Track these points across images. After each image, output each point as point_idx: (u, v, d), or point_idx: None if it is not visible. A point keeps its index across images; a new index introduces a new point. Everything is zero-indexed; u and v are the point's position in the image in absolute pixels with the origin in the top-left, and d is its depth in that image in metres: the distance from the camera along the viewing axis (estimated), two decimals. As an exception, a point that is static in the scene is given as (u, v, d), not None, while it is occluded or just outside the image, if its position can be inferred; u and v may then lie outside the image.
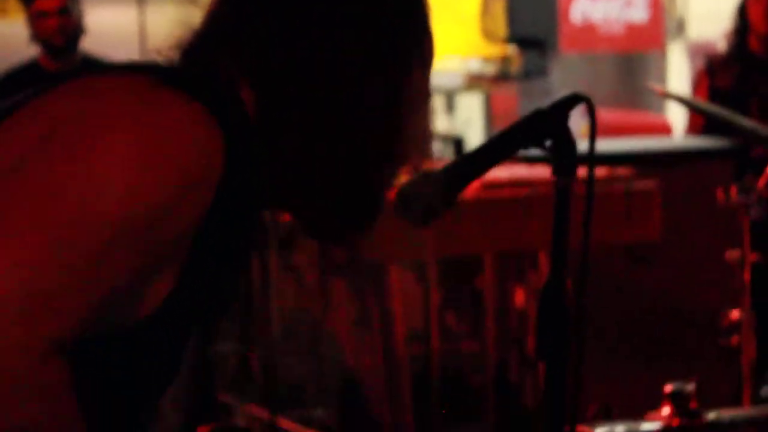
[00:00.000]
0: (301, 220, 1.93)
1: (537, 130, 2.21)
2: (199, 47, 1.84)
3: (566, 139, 2.18)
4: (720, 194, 4.00)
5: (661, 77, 8.39)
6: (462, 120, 8.80)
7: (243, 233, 1.86)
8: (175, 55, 1.84)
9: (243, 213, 1.79)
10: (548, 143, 2.19)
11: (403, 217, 2.07)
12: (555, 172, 2.17)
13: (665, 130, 7.42)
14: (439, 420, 4.81)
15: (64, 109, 1.68)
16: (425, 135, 1.95)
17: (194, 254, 1.70)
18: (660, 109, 8.43)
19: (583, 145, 2.10)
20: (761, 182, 3.84)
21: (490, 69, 8.27)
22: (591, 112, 2.21)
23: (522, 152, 5.14)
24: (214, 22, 1.85)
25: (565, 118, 2.19)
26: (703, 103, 4.10)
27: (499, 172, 4.79)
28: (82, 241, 1.58)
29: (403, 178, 2.01)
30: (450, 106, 8.77)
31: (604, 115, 5.51)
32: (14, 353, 1.53)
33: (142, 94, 1.68)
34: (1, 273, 1.54)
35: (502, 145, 2.24)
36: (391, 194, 2.01)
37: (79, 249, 1.58)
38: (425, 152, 1.90)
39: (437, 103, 8.24)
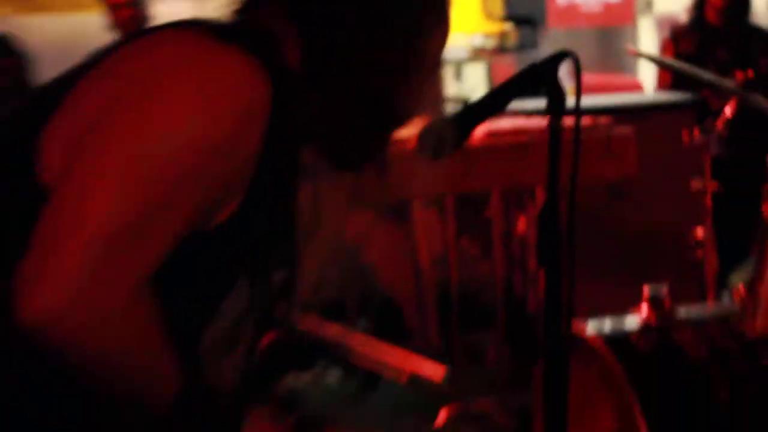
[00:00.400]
0: (327, 153, 1.92)
1: (532, 80, 2.21)
2: (249, 6, 1.82)
3: (556, 87, 2.19)
4: (685, 136, 4.01)
5: (633, 47, 8.37)
6: (468, 86, 8.78)
7: (290, 162, 1.83)
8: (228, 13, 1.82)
9: (288, 145, 1.76)
10: (542, 91, 2.20)
11: (423, 154, 2.08)
12: (548, 113, 2.17)
13: (637, 88, 7.42)
14: (458, 327, 4.82)
15: (135, 64, 1.67)
16: (438, 91, 1.97)
17: (255, 177, 1.68)
18: (633, 72, 8.45)
19: (570, 101, 2.11)
20: (719, 124, 3.83)
21: (491, 43, 8.27)
22: (576, 66, 2.21)
23: (521, 107, 5.15)
24: None
25: (555, 70, 2.19)
26: (668, 59, 4.10)
27: (503, 123, 4.80)
28: (168, 175, 1.56)
29: (422, 123, 2.02)
30: (458, 75, 8.76)
31: (586, 78, 5.41)
32: (106, 289, 1.50)
33: (199, 47, 1.66)
34: (93, 213, 1.52)
35: (503, 93, 2.24)
36: (413, 138, 2.03)
37: (161, 183, 1.56)
38: (439, 107, 1.90)
39: (448, 72, 8.26)
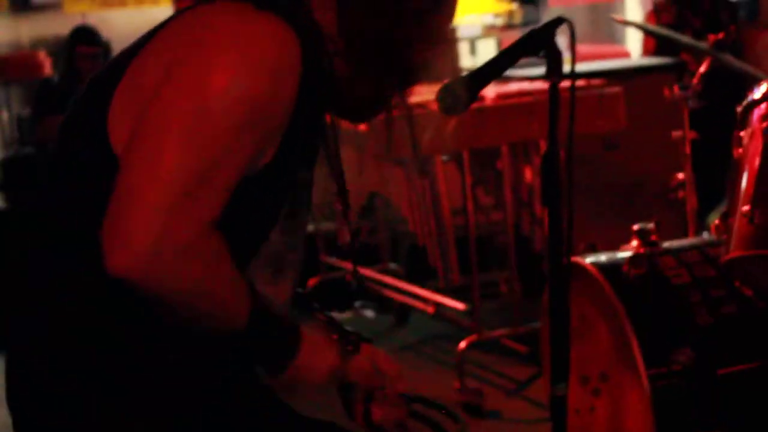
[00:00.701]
0: (344, 106, 1.91)
1: (533, 43, 2.20)
2: None
3: (554, 49, 2.18)
4: (666, 92, 3.98)
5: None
6: (481, 59, 8.75)
7: (317, 112, 1.83)
8: None
9: (316, 98, 1.75)
10: (541, 53, 2.19)
11: (442, 110, 2.07)
12: (547, 72, 2.17)
13: (625, 55, 7.35)
14: (475, 267, 4.82)
15: (185, 37, 1.68)
16: (451, 59, 1.99)
17: (290, 125, 1.68)
18: (621, 42, 8.40)
19: (567, 66, 2.10)
20: (695, 81, 3.81)
21: (500, 21, 8.26)
22: (571, 31, 2.20)
23: (526, 74, 5.12)
24: None
25: (552, 34, 2.18)
26: (650, 26, 4.09)
27: (510, 87, 4.79)
28: (224, 128, 1.57)
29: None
30: (472, 50, 8.73)
31: (582, 48, 5.41)
32: (184, 230, 1.51)
33: (239, 17, 1.65)
34: (165, 167, 1.53)
35: (509, 55, 2.22)
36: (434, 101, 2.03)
37: (221, 135, 1.57)
38: (451, 72, 1.91)
39: (463, 47, 8.25)
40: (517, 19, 8.30)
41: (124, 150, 1.59)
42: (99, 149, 1.66)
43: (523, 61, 2.32)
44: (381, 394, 1.99)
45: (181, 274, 1.54)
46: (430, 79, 2.14)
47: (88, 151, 1.71)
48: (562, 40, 2.17)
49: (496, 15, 8.11)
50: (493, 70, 2.22)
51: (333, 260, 6.15)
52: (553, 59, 2.15)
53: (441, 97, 2.03)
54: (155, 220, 1.50)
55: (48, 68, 8.29)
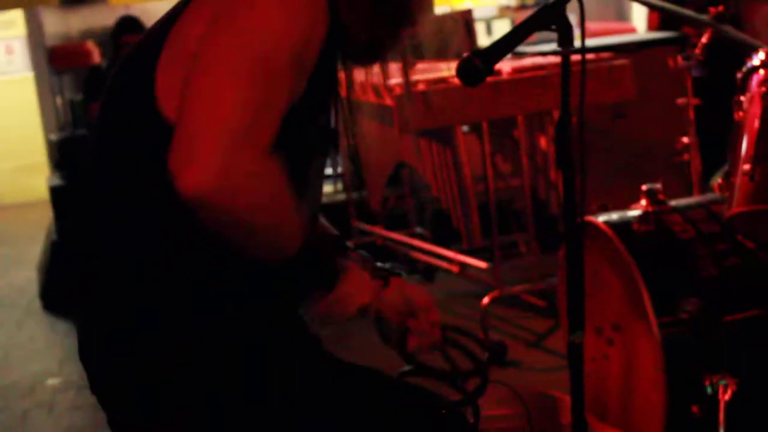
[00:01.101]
0: (351, 51, 1.92)
1: (546, 17, 2.20)
2: None
3: (565, 22, 2.18)
4: (671, 62, 3.97)
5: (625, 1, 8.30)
6: (497, 38, 8.82)
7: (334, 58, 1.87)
8: None
9: (339, 44, 1.81)
10: (553, 26, 2.19)
11: (462, 81, 2.09)
12: (559, 43, 2.17)
13: (632, 31, 7.31)
14: (496, 229, 4.83)
15: None
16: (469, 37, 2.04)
17: (320, 61, 1.73)
18: (628, 19, 8.36)
19: (577, 42, 2.12)
20: (697, 51, 3.79)
21: (514, 2, 8.18)
22: (581, 8, 2.20)
23: (539, 48, 5.10)
24: None
25: (563, 9, 2.19)
26: (655, 1, 4.05)
27: (525, 62, 4.78)
28: (274, 64, 1.61)
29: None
30: (489, 30, 8.71)
31: (591, 26, 5.37)
32: (246, 157, 1.53)
33: None
34: (225, 102, 1.56)
35: (523, 29, 2.22)
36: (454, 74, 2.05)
37: (272, 72, 1.61)
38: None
39: (480, 27, 8.23)
40: (530, 1, 8.26)
41: (182, 94, 1.60)
42: (149, 114, 1.69)
43: (536, 37, 2.34)
44: (414, 324, 2.01)
45: (249, 190, 1.55)
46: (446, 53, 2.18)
47: (139, 116, 1.73)
48: (572, 18, 2.17)
49: (511, -2, 8.14)
50: (508, 44, 2.22)
51: (363, 226, 6.19)
52: (565, 32, 2.16)
53: (461, 69, 2.04)
54: (223, 143, 1.52)
55: (96, 57, 8.32)
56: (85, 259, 1.88)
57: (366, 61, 2.00)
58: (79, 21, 9.03)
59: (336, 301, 1.83)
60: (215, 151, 1.51)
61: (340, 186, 7.04)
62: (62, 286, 6.61)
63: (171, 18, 1.78)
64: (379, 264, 2.02)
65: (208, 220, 1.55)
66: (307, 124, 1.78)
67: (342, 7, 1.78)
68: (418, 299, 2.03)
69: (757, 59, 2.76)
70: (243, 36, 1.61)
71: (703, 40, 3.82)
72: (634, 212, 3.13)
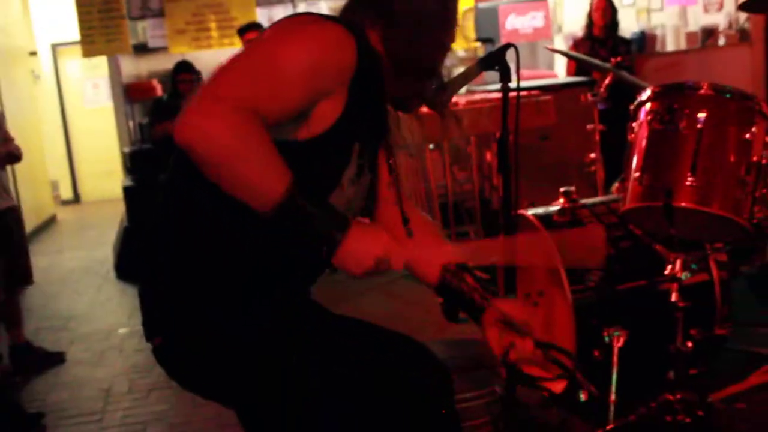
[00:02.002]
0: (394, 102, 1.84)
1: (490, 61, 2.19)
2: (347, 8, 1.79)
3: (505, 64, 2.16)
4: (582, 98, 3.97)
5: (551, 54, 8.26)
6: (456, 75, 8.82)
7: (376, 98, 1.77)
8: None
9: (372, 84, 1.71)
10: (496, 67, 2.17)
11: (430, 107, 2.06)
12: (500, 79, 2.16)
13: (554, 76, 7.29)
14: (453, 222, 4.83)
15: (284, 23, 1.65)
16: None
17: (350, 96, 1.65)
18: (551, 68, 8.32)
19: (514, 83, 2.10)
20: (602, 90, 3.81)
21: (469, 54, 8.15)
22: (516, 54, 2.18)
23: (486, 88, 5.04)
24: None
25: (503, 54, 2.17)
26: (571, 52, 4.06)
27: (476, 96, 4.78)
28: (291, 70, 1.55)
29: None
30: (450, 76, 8.71)
31: (523, 71, 5.37)
32: (222, 105, 1.47)
33: (317, 19, 1.65)
34: (227, 81, 1.52)
35: (471, 71, 2.21)
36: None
37: (289, 73, 1.55)
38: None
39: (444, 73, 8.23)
40: (480, 53, 8.23)
41: None
42: None
43: (482, 79, 2.33)
44: (519, 343, 1.80)
45: (216, 136, 1.46)
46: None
47: None
48: (512, 65, 2.16)
49: (466, 50, 8.06)
50: (464, 79, 2.21)
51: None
52: (504, 71, 2.14)
53: (430, 101, 2.02)
54: (210, 105, 1.47)
55: (159, 91, 8.30)
56: (147, 239, 1.82)
57: (406, 110, 1.90)
58: (147, 64, 9.00)
59: (348, 253, 1.57)
60: (199, 106, 1.47)
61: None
62: (131, 260, 6.62)
63: None
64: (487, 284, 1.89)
65: (195, 160, 1.49)
66: (341, 144, 1.69)
67: (385, 71, 1.73)
68: (518, 318, 1.83)
69: (644, 96, 2.76)
70: (274, 43, 1.57)
71: (607, 82, 3.84)
72: (554, 208, 3.13)
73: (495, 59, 2.18)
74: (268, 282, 1.71)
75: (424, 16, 1.74)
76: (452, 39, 1.84)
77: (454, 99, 2.35)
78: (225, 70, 1.54)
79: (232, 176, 1.50)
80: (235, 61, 1.56)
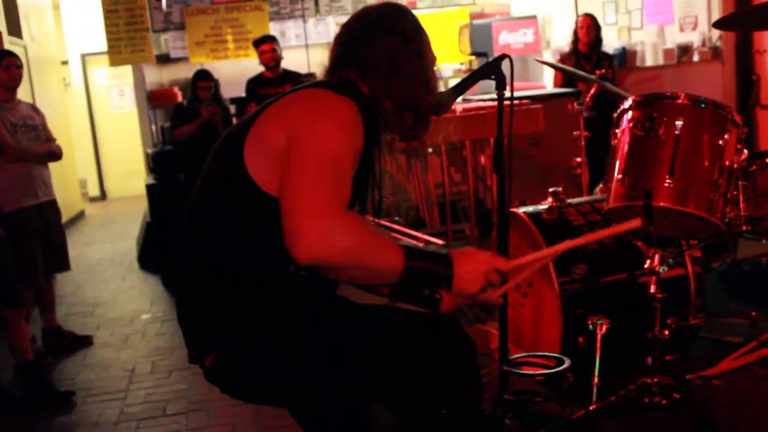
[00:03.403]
0: (393, 130, 1.87)
1: (486, 70, 2.19)
2: (335, 67, 1.86)
3: (501, 73, 2.16)
4: (569, 107, 3.98)
5: (539, 67, 8.23)
6: (455, 84, 8.81)
7: (373, 150, 1.85)
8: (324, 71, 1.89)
9: (371, 137, 1.78)
10: (492, 76, 2.17)
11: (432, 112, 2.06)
12: (496, 87, 2.16)
13: (543, 87, 7.30)
14: (450, 219, 4.82)
15: (303, 108, 1.71)
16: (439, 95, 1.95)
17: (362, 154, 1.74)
18: (540, 80, 8.31)
19: (508, 93, 2.14)
20: (587, 99, 3.81)
21: (464, 67, 8.14)
22: (510, 64, 2.18)
23: (482, 97, 5.02)
24: (335, 58, 1.87)
25: (499, 64, 2.17)
26: (559, 65, 4.06)
27: (472, 104, 4.77)
28: (338, 161, 1.63)
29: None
30: (446, 87, 8.71)
31: (515, 83, 5.32)
32: (332, 221, 1.55)
33: (331, 97, 1.71)
34: (309, 187, 1.58)
35: (471, 77, 2.21)
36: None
37: (340, 165, 1.62)
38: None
39: (440, 84, 8.21)
40: (475, 65, 8.24)
41: (278, 189, 1.63)
42: (238, 175, 1.70)
43: (477, 89, 2.33)
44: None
45: (338, 245, 1.53)
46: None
47: (231, 177, 1.72)
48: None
49: (461, 63, 8.07)
50: (462, 88, 2.22)
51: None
52: (500, 79, 2.15)
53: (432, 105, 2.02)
54: (316, 222, 1.53)
55: (179, 97, 8.29)
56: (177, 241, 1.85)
57: (410, 139, 1.96)
58: (168, 73, 9.01)
59: (460, 284, 1.69)
60: (313, 228, 1.53)
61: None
62: (152, 252, 6.61)
63: (248, 122, 1.77)
64: None
65: (322, 271, 1.58)
66: (359, 179, 1.77)
67: (373, 106, 1.78)
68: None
69: (627, 105, 2.77)
70: (319, 144, 1.62)
71: (592, 92, 3.84)
72: (543, 206, 3.12)
73: (492, 69, 2.19)
74: (305, 291, 1.75)
75: (389, 55, 1.79)
76: (429, 63, 1.87)
77: (452, 106, 2.39)
78: (300, 182, 1.59)
79: (361, 272, 1.63)
80: (303, 173, 1.60)
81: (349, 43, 1.85)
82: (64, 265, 4.69)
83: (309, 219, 1.53)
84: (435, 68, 1.93)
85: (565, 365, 2.04)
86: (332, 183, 1.59)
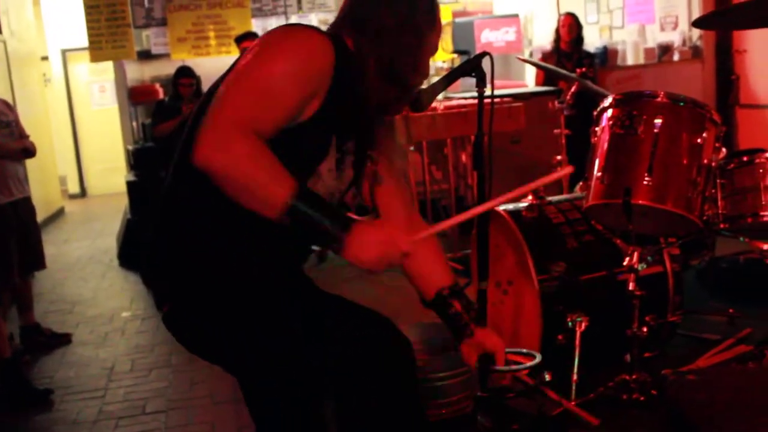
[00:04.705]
0: (371, 97, 1.78)
1: (467, 67, 2.19)
2: (337, 21, 1.82)
3: (481, 71, 2.17)
4: (550, 105, 3.99)
5: (521, 65, 8.22)
6: (435, 81, 8.78)
7: (354, 95, 1.74)
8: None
9: (349, 82, 1.72)
10: (473, 73, 2.17)
11: (412, 109, 2.06)
12: (477, 85, 2.16)
13: (524, 86, 7.30)
14: (431, 216, 4.83)
15: (262, 38, 1.69)
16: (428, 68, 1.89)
17: (330, 92, 1.67)
18: (522, 79, 8.30)
19: (488, 91, 2.12)
20: (568, 98, 3.81)
21: (446, 65, 8.11)
22: (491, 62, 2.18)
23: (463, 93, 5.04)
24: (341, 13, 1.82)
25: (480, 61, 2.17)
26: (541, 63, 4.07)
27: (453, 102, 4.78)
28: (278, 88, 1.59)
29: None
30: (428, 82, 8.68)
31: (496, 81, 5.36)
32: (232, 133, 1.52)
33: (301, 29, 1.68)
34: (232, 98, 1.57)
35: (452, 74, 2.21)
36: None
37: (277, 92, 1.59)
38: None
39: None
40: (457, 63, 8.22)
41: None
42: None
43: (459, 87, 2.33)
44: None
45: (231, 156, 1.51)
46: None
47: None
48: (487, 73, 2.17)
49: (444, 61, 8.04)
50: (443, 85, 2.21)
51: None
52: (480, 76, 2.15)
53: (412, 102, 2.01)
54: (223, 129, 1.52)
55: (161, 94, 8.24)
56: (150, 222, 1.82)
57: (387, 114, 1.89)
58: (150, 69, 8.93)
59: (353, 246, 1.57)
60: (215, 133, 1.52)
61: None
62: (133, 249, 6.58)
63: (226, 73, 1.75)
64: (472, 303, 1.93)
65: (212, 178, 1.54)
66: (318, 134, 1.71)
67: (363, 76, 1.73)
68: (491, 346, 1.93)
69: (607, 103, 2.78)
70: (261, 66, 1.60)
71: (572, 90, 3.85)
72: (523, 204, 3.13)
73: (472, 66, 2.19)
74: (264, 254, 1.71)
75: (388, 24, 1.75)
76: (426, 46, 1.80)
77: (433, 104, 2.37)
78: (227, 96, 1.58)
79: (244, 192, 1.55)
80: (233, 84, 1.59)
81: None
82: (40, 263, 4.65)
83: (217, 126, 1.53)
84: (431, 59, 1.88)
85: (536, 361, 2.05)
86: (256, 102, 1.57)
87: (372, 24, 1.75)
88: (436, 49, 1.86)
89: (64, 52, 11.50)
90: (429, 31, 1.80)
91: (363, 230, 1.58)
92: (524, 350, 2.14)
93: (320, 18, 8.79)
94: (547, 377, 2.68)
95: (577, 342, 2.78)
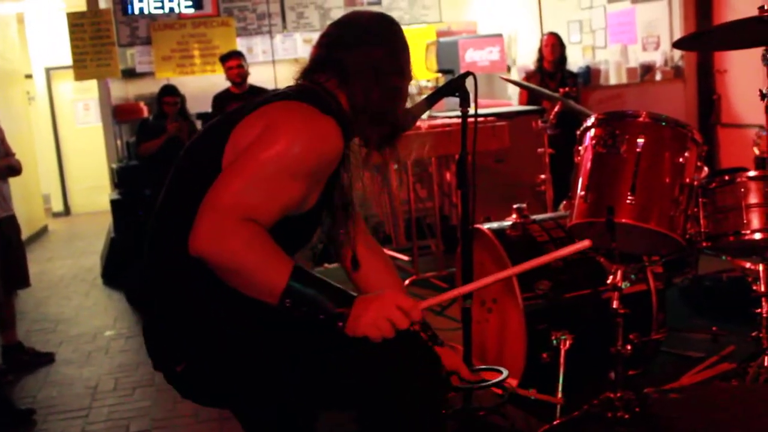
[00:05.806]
0: (368, 143, 1.83)
1: (451, 87, 2.20)
2: (315, 67, 1.82)
3: (465, 90, 2.18)
4: (534, 124, 4.01)
5: (505, 85, 8.27)
6: (420, 99, 8.80)
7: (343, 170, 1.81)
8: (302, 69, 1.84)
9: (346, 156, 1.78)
10: (456, 93, 2.19)
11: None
12: (461, 104, 2.17)
13: (509, 105, 7.33)
14: (415, 234, 4.84)
15: (271, 118, 1.67)
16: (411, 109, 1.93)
17: (330, 179, 1.72)
18: (506, 98, 8.34)
19: (472, 110, 2.14)
20: (551, 117, 3.84)
21: (430, 84, 8.13)
22: (474, 82, 2.20)
23: (447, 113, 5.07)
24: (317, 59, 1.82)
25: (463, 81, 2.19)
26: (524, 82, 4.10)
27: (438, 121, 4.81)
28: (285, 183, 1.61)
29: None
30: (412, 101, 8.70)
31: (480, 100, 5.43)
32: (231, 223, 1.54)
33: (301, 110, 1.67)
34: (230, 188, 1.57)
35: (436, 94, 2.23)
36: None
37: (284, 186, 1.60)
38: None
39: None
40: (441, 83, 8.26)
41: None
42: (215, 171, 1.66)
43: (443, 106, 2.35)
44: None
45: (228, 249, 1.52)
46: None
47: (208, 171, 1.67)
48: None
49: (428, 80, 8.07)
50: (427, 104, 2.23)
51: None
52: (464, 96, 2.17)
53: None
54: (220, 220, 1.53)
55: (145, 112, 8.23)
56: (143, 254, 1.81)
57: (381, 149, 1.90)
58: (134, 88, 8.94)
59: (357, 320, 1.60)
60: (209, 225, 1.53)
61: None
62: (116, 268, 6.54)
63: (237, 114, 1.74)
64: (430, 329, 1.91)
65: (209, 264, 1.56)
66: (313, 218, 1.76)
67: (357, 125, 1.76)
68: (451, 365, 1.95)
69: (589, 122, 2.79)
70: (272, 157, 1.59)
71: (556, 110, 3.88)
72: (507, 222, 3.15)
73: (456, 86, 2.21)
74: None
75: (374, 67, 1.77)
76: (408, 80, 1.85)
77: (417, 123, 2.38)
78: (231, 180, 1.57)
79: (242, 282, 1.57)
80: (238, 169, 1.58)
81: (334, 46, 1.81)
82: (23, 281, 4.63)
83: (215, 215, 1.53)
84: (410, 85, 1.91)
85: (503, 376, 2.06)
86: (260, 193, 1.57)
87: (355, 71, 1.76)
88: (412, 77, 1.89)
89: (48, 70, 11.47)
90: (408, 65, 1.85)
91: (365, 305, 1.61)
92: (493, 366, 2.16)
93: (305, 37, 8.83)
94: (514, 384, 2.68)
95: (562, 360, 2.78)
